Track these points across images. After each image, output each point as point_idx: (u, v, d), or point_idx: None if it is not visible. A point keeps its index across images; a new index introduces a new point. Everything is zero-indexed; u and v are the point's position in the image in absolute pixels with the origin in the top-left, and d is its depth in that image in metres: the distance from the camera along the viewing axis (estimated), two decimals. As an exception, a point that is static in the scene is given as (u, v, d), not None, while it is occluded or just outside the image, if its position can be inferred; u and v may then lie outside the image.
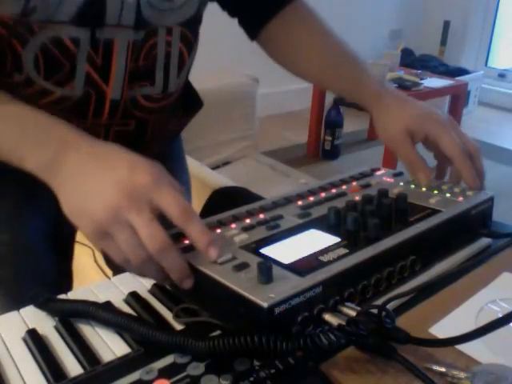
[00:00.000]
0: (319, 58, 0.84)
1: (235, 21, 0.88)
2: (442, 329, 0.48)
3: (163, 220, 0.50)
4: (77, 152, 0.53)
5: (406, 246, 0.55)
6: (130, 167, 0.50)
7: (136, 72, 0.71)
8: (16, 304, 0.54)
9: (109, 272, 1.06)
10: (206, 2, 0.77)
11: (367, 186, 0.71)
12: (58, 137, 0.55)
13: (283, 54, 0.87)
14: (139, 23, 0.67)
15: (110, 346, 0.47)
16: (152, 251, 0.48)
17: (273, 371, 0.41)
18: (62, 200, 0.52)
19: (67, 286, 0.82)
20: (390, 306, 0.44)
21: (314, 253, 0.52)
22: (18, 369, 0.45)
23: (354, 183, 0.72)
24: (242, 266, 0.49)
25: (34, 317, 0.52)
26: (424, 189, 0.69)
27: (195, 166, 1.54)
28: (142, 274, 0.52)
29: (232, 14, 0.86)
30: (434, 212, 0.61)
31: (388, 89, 0.80)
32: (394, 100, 0.77)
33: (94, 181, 0.50)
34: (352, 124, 3.33)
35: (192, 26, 0.76)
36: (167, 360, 0.44)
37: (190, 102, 0.89)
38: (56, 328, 0.50)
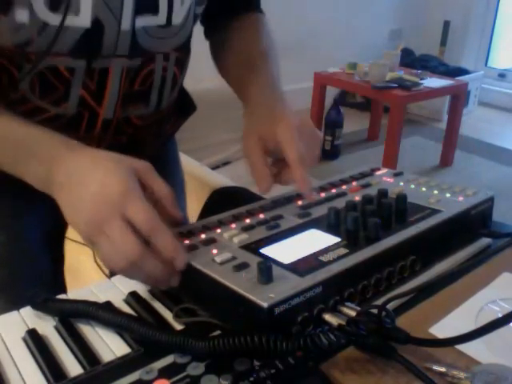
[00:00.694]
0: (230, 59, 0.83)
1: None
2: (442, 329, 0.48)
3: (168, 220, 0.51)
4: (65, 168, 0.54)
5: (406, 245, 0.55)
6: (102, 181, 0.51)
7: (130, 95, 0.72)
8: (12, 305, 0.54)
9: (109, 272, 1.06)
10: (196, 20, 0.78)
11: (367, 185, 0.71)
12: (46, 153, 0.57)
13: (214, 57, 0.88)
14: (134, 51, 0.68)
15: (110, 345, 0.47)
16: (130, 258, 0.49)
17: (273, 371, 0.41)
18: (64, 211, 0.54)
19: (61, 286, 0.82)
20: (390, 306, 0.44)
21: (314, 253, 0.52)
22: (17, 369, 0.45)
23: (354, 183, 0.72)
24: (242, 266, 0.49)
25: (34, 317, 0.52)
26: (424, 188, 0.69)
27: (195, 166, 1.53)
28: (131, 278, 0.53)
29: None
30: (434, 212, 0.61)
31: (267, 96, 0.73)
32: (260, 109, 0.71)
33: (76, 196, 0.52)
34: (352, 124, 3.33)
35: (186, 48, 0.78)
36: (167, 360, 0.44)
37: (183, 105, 0.90)
38: (56, 328, 0.50)
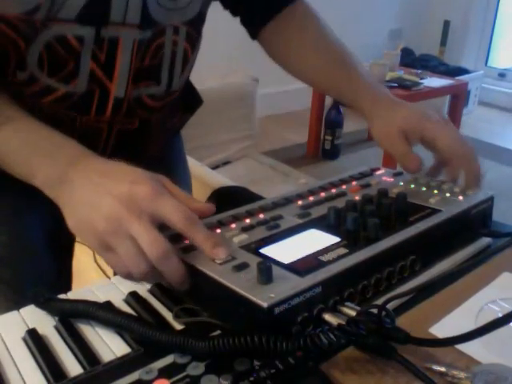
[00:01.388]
0: (315, 60, 0.84)
1: (236, 21, 0.88)
2: (442, 329, 0.48)
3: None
4: (83, 169, 0.55)
5: (406, 245, 0.55)
6: (131, 180, 0.51)
7: (141, 71, 0.71)
8: (15, 305, 0.54)
9: (109, 272, 1.06)
10: (209, 1, 0.77)
11: (367, 185, 0.71)
12: (66, 155, 0.57)
13: (282, 55, 0.87)
14: (146, 22, 0.67)
15: (110, 345, 0.47)
16: (152, 258, 0.48)
17: (273, 371, 0.41)
18: (68, 215, 0.54)
19: (67, 286, 0.82)
20: (390, 306, 0.44)
21: (314, 253, 0.52)
22: (17, 369, 0.45)
23: (354, 183, 0.72)
24: (242, 266, 0.49)
25: (34, 317, 0.52)
26: (424, 188, 0.69)
27: (195, 166, 1.53)
28: (150, 281, 0.54)
29: (234, 12, 0.86)
30: (434, 212, 0.61)
31: (382, 91, 0.80)
32: (387, 102, 0.78)
33: (97, 194, 0.51)
34: (352, 124, 3.32)
35: (196, 24, 0.76)
36: (167, 360, 0.44)
37: (189, 99, 0.89)
38: (56, 328, 0.50)
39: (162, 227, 0.50)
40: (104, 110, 0.70)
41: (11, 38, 0.63)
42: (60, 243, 0.83)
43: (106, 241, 0.49)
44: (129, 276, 0.51)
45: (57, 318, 0.51)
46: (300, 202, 0.65)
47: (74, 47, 0.64)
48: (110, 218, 0.49)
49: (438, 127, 0.71)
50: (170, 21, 0.70)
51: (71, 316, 0.51)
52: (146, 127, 0.77)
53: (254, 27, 0.86)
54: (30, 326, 0.50)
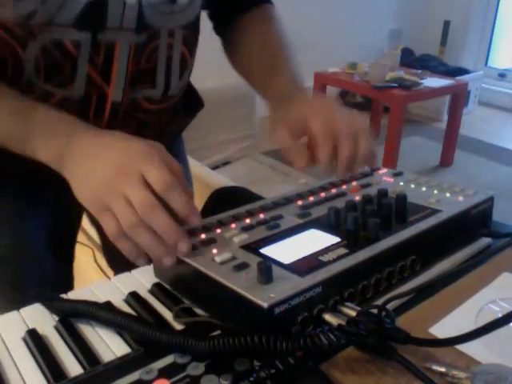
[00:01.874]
0: (249, 59, 0.84)
1: None
2: (442, 329, 0.48)
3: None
4: (83, 140, 0.58)
5: (406, 245, 0.55)
6: (125, 146, 0.55)
7: (137, 74, 0.71)
8: (16, 305, 0.54)
9: (109, 272, 1.06)
10: (203, 4, 0.77)
11: (367, 185, 0.71)
12: (66, 129, 0.59)
13: (230, 53, 0.88)
14: (141, 26, 0.67)
15: (110, 345, 0.47)
16: (141, 212, 0.50)
17: (273, 371, 0.41)
18: (73, 184, 0.56)
19: (68, 286, 0.82)
20: (389, 306, 0.44)
21: (314, 253, 0.52)
22: (17, 369, 0.45)
23: (354, 183, 0.72)
24: (242, 266, 0.49)
25: (34, 317, 0.52)
26: (424, 188, 0.69)
27: (195, 166, 1.53)
28: (133, 251, 0.53)
29: (206, 6, 0.86)
30: (434, 212, 0.61)
31: (291, 92, 0.75)
32: (287, 103, 0.72)
33: (96, 160, 0.55)
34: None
35: (194, 27, 0.76)
36: (167, 360, 0.44)
37: (191, 102, 0.89)
38: (56, 328, 0.50)
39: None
40: (102, 114, 0.71)
41: (7, 43, 0.63)
42: (61, 244, 0.83)
43: (103, 202, 0.52)
44: (120, 235, 0.52)
45: (57, 318, 0.51)
46: (300, 202, 0.65)
47: (71, 52, 0.65)
48: (106, 181, 0.53)
49: (312, 112, 0.66)
50: (165, 24, 0.70)
51: (71, 316, 0.51)
52: (144, 131, 0.77)
53: (217, 23, 0.88)
54: (30, 326, 0.50)
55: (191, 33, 0.76)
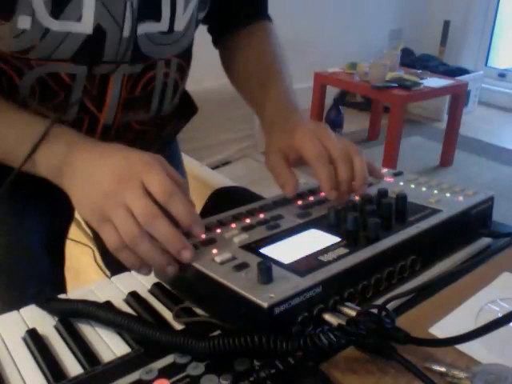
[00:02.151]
0: (243, 77, 0.84)
1: None
2: (442, 329, 0.48)
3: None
4: (83, 152, 0.57)
5: (406, 245, 0.55)
6: (124, 156, 0.54)
7: (131, 101, 0.72)
8: (13, 306, 0.54)
9: (109, 272, 1.06)
10: (198, 26, 0.78)
11: (367, 185, 0.70)
12: (65, 142, 0.59)
13: (224, 61, 0.89)
14: (136, 58, 0.68)
15: (110, 345, 0.47)
16: (143, 222, 0.49)
17: (273, 371, 0.41)
18: (72, 196, 0.56)
19: (62, 286, 0.82)
20: (389, 306, 0.44)
21: (314, 253, 0.52)
22: (18, 369, 0.45)
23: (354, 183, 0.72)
24: (242, 266, 0.49)
25: (34, 317, 0.52)
26: (424, 188, 0.69)
27: (195, 166, 1.53)
28: (136, 263, 0.52)
29: (203, 21, 0.87)
30: (434, 212, 0.61)
31: (282, 112, 0.74)
32: (281, 126, 0.72)
33: (94, 170, 0.54)
34: (352, 124, 3.33)
35: (188, 54, 0.78)
36: (167, 360, 0.44)
37: (185, 107, 0.90)
38: (56, 328, 0.50)
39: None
40: (93, 135, 0.72)
41: (4, 71, 0.64)
42: (55, 244, 0.83)
43: (103, 212, 0.51)
44: (121, 247, 0.51)
45: (57, 318, 0.51)
46: (300, 202, 0.65)
47: (66, 82, 0.66)
48: (106, 192, 0.52)
49: (303, 137, 0.64)
50: (161, 55, 0.72)
51: (71, 316, 0.51)
52: (138, 139, 0.78)
53: (214, 35, 0.89)
54: (30, 326, 0.50)
55: (185, 59, 0.78)
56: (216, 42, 0.89)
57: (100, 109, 0.70)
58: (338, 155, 0.62)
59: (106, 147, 0.57)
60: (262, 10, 0.88)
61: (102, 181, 0.52)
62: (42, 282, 0.76)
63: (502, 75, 4.27)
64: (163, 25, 0.68)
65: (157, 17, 0.67)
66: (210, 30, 0.88)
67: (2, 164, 0.62)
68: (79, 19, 0.61)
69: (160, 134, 0.85)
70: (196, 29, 0.77)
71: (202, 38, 0.87)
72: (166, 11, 0.67)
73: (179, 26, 0.70)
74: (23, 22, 0.59)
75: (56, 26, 0.60)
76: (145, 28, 0.66)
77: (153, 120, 0.78)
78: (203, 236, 0.56)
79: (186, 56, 0.77)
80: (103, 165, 0.54)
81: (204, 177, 1.47)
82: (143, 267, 0.53)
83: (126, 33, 0.65)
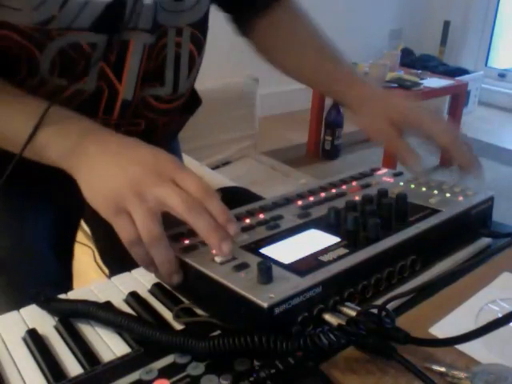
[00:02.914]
0: (305, 56, 0.84)
1: None
2: (442, 329, 0.48)
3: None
4: (99, 139, 0.56)
5: (406, 245, 0.55)
6: (152, 151, 0.53)
7: (146, 72, 0.71)
8: (16, 305, 0.54)
9: (105, 270, 1.06)
10: (210, 2, 0.77)
11: (367, 185, 0.71)
12: (79, 127, 0.57)
13: (272, 53, 0.87)
14: (155, 27, 0.67)
15: (110, 345, 0.47)
16: (185, 215, 0.48)
17: (273, 371, 0.41)
18: (84, 185, 0.54)
19: (68, 287, 0.82)
20: (389, 306, 0.44)
21: (314, 253, 0.52)
22: (18, 369, 0.45)
23: (354, 183, 0.72)
24: (242, 266, 0.49)
25: (34, 317, 0.52)
26: (424, 188, 0.69)
27: (195, 166, 1.54)
28: (147, 260, 0.52)
29: (222, 8, 0.86)
30: (434, 212, 0.61)
31: (371, 86, 0.80)
32: (377, 95, 0.78)
33: (118, 162, 0.52)
34: (352, 124, 3.32)
35: (202, 26, 0.76)
36: (167, 360, 0.44)
37: (189, 100, 0.89)
38: (56, 328, 0.50)
39: (165, 225, 0.51)
40: (112, 111, 0.70)
41: (24, 47, 0.63)
42: (61, 243, 0.83)
43: (124, 201, 0.50)
44: (135, 242, 0.50)
45: (57, 318, 0.51)
46: (300, 202, 0.65)
47: (87, 52, 0.65)
48: (134, 182, 0.50)
49: (430, 117, 0.71)
50: (172, 23, 0.71)
51: (71, 316, 0.51)
52: (151, 130, 0.78)
53: (241, 23, 0.87)
54: (30, 326, 0.50)
55: (199, 31, 0.76)
56: (242, 31, 0.87)
57: (119, 78, 0.68)
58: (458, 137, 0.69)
59: (125, 137, 0.56)
60: None
61: (127, 170, 0.51)
62: (46, 281, 0.76)
63: (502, 75, 4.27)
64: None
65: None
66: (232, 19, 0.86)
67: (2, 154, 0.61)
68: None
69: (167, 129, 0.84)
70: (209, 2, 0.76)
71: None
72: None
73: None
74: None
75: None
76: None
77: (169, 99, 0.76)
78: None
79: (200, 27, 0.75)
80: (126, 155, 0.53)
81: (204, 177, 1.47)
82: (154, 265, 0.52)
83: (147, 0, 0.64)
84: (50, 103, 0.58)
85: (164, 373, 0.42)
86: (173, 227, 0.53)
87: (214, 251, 0.50)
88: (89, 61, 0.66)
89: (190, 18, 0.73)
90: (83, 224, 0.96)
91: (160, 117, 0.77)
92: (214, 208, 0.50)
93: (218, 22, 0.93)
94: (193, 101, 0.91)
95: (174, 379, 0.41)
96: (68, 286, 0.82)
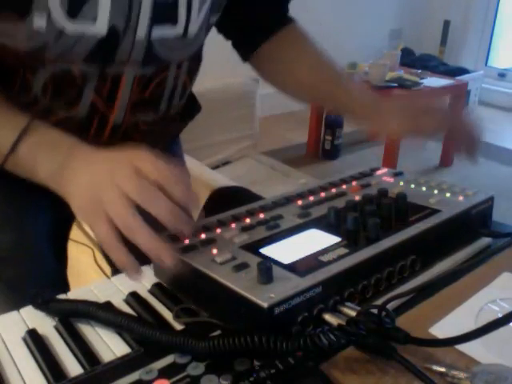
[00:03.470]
0: (310, 78, 0.85)
1: None
2: (442, 329, 0.48)
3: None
4: (83, 156, 0.57)
5: (406, 245, 0.55)
6: (120, 151, 0.54)
7: (141, 102, 0.72)
8: (18, 304, 0.54)
9: (109, 272, 1.06)
10: (210, 30, 0.78)
11: (367, 185, 0.71)
12: (66, 147, 0.59)
13: (274, 75, 0.88)
14: (149, 60, 0.68)
15: (110, 345, 0.47)
16: (139, 199, 0.49)
17: (273, 371, 0.41)
18: (71, 198, 0.55)
19: (65, 285, 0.82)
20: (389, 306, 0.44)
21: (314, 253, 0.52)
22: (18, 369, 0.45)
23: (354, 183, 0.72)
24: (242, 266, 0.49)
25: (34, 317, 0.52)
26: (424, 188, 0.69)
27: (195, 166, 1.54)
28: (127, 260, 0.51)
29: (227, 36, 0.87)
30: (434, 212, 0.61)
31: (374, 96, 0.83)
32: (383, 103, 0.81)
33: (92, 168, 0.54)
34: (352, 124, 3.32)
35: (198, 56, 0.79)
36: (167, 360, 0.44)
37: (188, 106, 0.90)
38: (56, 328, 0.50)
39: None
40: (102, 134, 0.72)
41: (17, 68, 0.64)
42: (58, 243, 0.83)
43: (96, 201, 0.51)
44: (116, 243, 0.50)
45: (57, 318, 0.51)
46: (300, 202, 0.65)
47: (78, 80, 0.66)
48: (102, 182, 0.51)
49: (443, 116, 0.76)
50: (174, 58, 0.72)
51: (71, 316, 0.51)
52: (145, 140, 0.78)
53: (245, 50, 0.88)
54: (30, 326, 0.50)
55: (195, 62, 0.78)
56: (246, 56, 0.88)
57: (110, 108, 0.70)
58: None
59: (107, 153, 0.57)
60: (286, 10, 0.88)
61: (96, 172, 0.53)
62: (47, 280, 0.76)
63: (501, 75, 4.27)
64: (179, 28, 0.67)
65: (173, 20, 0.66)
66: (236, 45, 0.87)
67: None
68: (94, 19, 0.61)
69: (164, 134, 0.85)
70: (208, 32, 0.77)
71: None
72: (183, 14, 0.66)
73: (193, 29, 0.69)
74: (38, 22, 0.59)
75: (70, 27, 0.60)
76: (159, 31, 0.66)
77: (160, 120, 0.78)
78: (203, 236, 0.56)
79: (196, 59, 0.78)
80: (101, 162, 0.55)
81: (204, 177, 1.47)
82: (133, 267, 0.51)
83: (140, 35, 0.65)
84: (30, 119, 0.60)
85: (164, 373, 0.42)
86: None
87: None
88: (81, 90, 0.67)
89: (190, 52, 0.74)
90: (84, 224, 0.96)
91: (148, 136, 0.78)
92: (175, 191, 0.50)
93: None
94: (192, 107, 0.92)
95: (174, 379, 0.41)
96: (65, 286, 0.82)
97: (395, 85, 2.69)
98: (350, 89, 0.83)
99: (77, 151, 0.58)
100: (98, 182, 0.52)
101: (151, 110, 0.76)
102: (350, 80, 0.86)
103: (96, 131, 0.71)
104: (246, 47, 0.87)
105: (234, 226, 0.58)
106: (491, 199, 0.66)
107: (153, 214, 0.49)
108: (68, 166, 0.57)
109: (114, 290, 0.56)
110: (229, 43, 0.88)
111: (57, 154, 0.58)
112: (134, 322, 0.47)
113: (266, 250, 0.52)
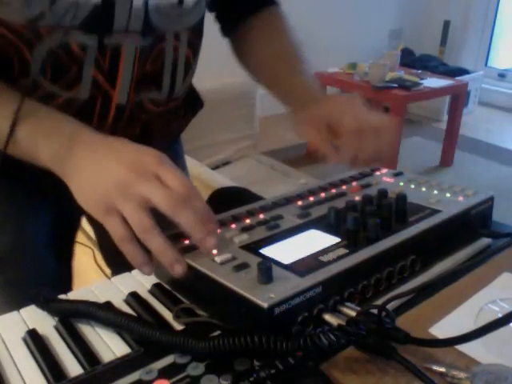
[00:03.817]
0: (262, 57, 0.86)
1: None
2: (442, 329, 0.48)
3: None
4: (87, 142, 0.57)
5: (406, 245, 0.55)
6: (136, 150, 0.54)
7: (143, 77, 0.71)
8: (18, 305, 0.54)
9: (109, 272, 1.06)
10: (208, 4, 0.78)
11: (367, 185, 0.71)
12: (69, 130, 0.58)
13: (242, 55, 0.89)
14: (147, 29, 0.67)
15: (110, 345, 0.47)
16: (168, 211, 0.49)
17: (273, 371, 0.41)
18: (73, 187, 0.55)
19: (68, 286, 0.82)
20: (389, 306, 0.44)
21: (314, 253, 0.52)
22: (17, 369, 0.45)
23: (354, 183, 0.72)
24: (242, 266, 0.49)
25: (34, 317, 0.52)
26: (424, 188, 0.69)
27: (195, 166, 1.54)
28: (140, 258, 0.52)
29: (210, 8, 0.86)
30: (434, 212, 0.61)
31: (312, 93, 0.80)
32: (312, 98, 0.78)
33: (104, 163, 0.53)
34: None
35: (198, 29, 0.77)
36: (167, 360, 0.44)
37: (191, 101, 0.89)
38: (56, 328, 0.50)
39: (164, 226, 0.51)
40: (106, 117, 0.71)
41: (14, 44, 0.63)
42: (61, 243, 0.83)
43: (113, 201, 0.51)
44: (127, 240, 0.51)
45: (57, 318, 0.51)
46: (300, 202, 0.65)
47: (77, 55, 0.65)
48: (118, 182, 0.51)
49: (342, 110, 0.71)
50: (171, 27, 0.71)
51: (71, 316, 0.51)
52: (147, 133, 0.78)
53: (224, 25, 0.88)
54: (30, 326, 0.50)
55: (196, 35, 0.76)
56: (225, 30, 0.88)
57: (113, 85, 0.69)
58: (367, 129, 0.67)
59: (113, 139, 0.57)
60: None
61: (112, 171, 0.52)
62: (47, 281, 0.76)
63: (501, 75, 4.27)
64: None
65: None
66: (218, 19, 0.88)
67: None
68: None
69: (166, 131, 0.84)
70: (208, 7, 0.77)
71: (203, 38, 0.87)
72: None
73: None
74: None
75: None
76: None
77: (165, 102, 0.77)
78: (219, 231, 0.56)
79: (196, 31, 0.76)
80: (113, 155, 0.54)
81: (204, 177, 1.47)
82: (146, 265, 0.52)
83: (138, 3, 0.64)
84: (22, 99, 0.59)
85: (164, 373, 0.42)
86: (172, 227, 0.53)
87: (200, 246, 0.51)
88: (81, 66, 0.66)
89: (188, 22, 0.73)
90: (84, 224, 0.96)
91: (155, 118, 0.77)
92: (197, 205, 0.51)
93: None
94: (195, 102, 0.91)
95: (174, 379, 0.41)
96: (67, 287, 0.82)
97: (395, 85, 2.70)
98: (300, 85, 0.81)
99: (79, 135, 0.57)
100: (112, 186, 0.51)
101: (154, 87, 0.74)
102: (306, 77, 0.82)
103: (100, 113, 0.70)
104: (226, 22, 0.88)
105: (234, 226, 0.58)
106: (491, 199, 0.66)
107: (181, 225, 0.50)
108: (70, 156, 0.56)
109: (114, 291, 0.56)
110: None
111: (58, 136, 0.57)
112: (134, 322, 0.47)
113: (266, 250, 0.52)
